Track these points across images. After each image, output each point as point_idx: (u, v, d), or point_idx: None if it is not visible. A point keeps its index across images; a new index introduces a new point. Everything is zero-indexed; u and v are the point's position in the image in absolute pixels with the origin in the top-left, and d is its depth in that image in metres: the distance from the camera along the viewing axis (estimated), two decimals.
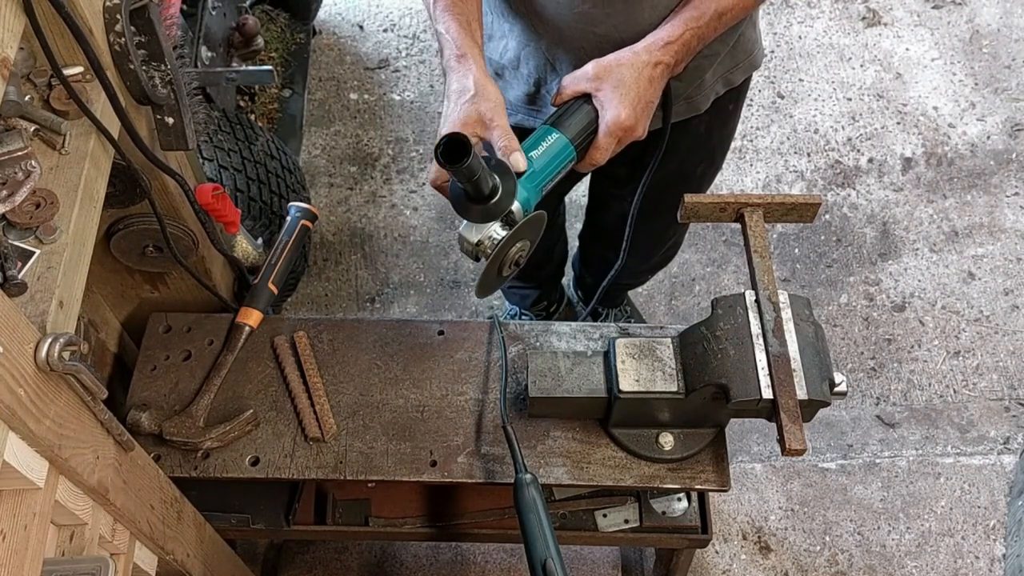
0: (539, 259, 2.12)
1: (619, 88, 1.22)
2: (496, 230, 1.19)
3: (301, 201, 1.80)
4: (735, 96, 1.60)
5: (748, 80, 1.61)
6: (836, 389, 1.27)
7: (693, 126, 1.57)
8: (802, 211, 1.37)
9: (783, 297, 1.29)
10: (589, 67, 1.25)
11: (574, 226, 2.39)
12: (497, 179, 1.16)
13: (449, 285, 2.52)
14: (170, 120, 1.19)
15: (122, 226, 1.37)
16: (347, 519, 1.62)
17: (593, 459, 1.40)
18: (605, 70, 1.24)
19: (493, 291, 1.36)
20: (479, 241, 1.20)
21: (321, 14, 2.91)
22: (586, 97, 1.26)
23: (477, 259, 1.23)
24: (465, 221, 1.21)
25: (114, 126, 1.11)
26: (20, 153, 1.02)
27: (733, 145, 2.75)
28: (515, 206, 1.19)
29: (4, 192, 1.01)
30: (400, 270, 2.54)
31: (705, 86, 1.50)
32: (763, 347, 1.24)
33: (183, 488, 1.37)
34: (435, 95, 2.87)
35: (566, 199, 2.08)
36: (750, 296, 1.29)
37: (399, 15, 3.06)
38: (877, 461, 2.25)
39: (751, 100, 2.83)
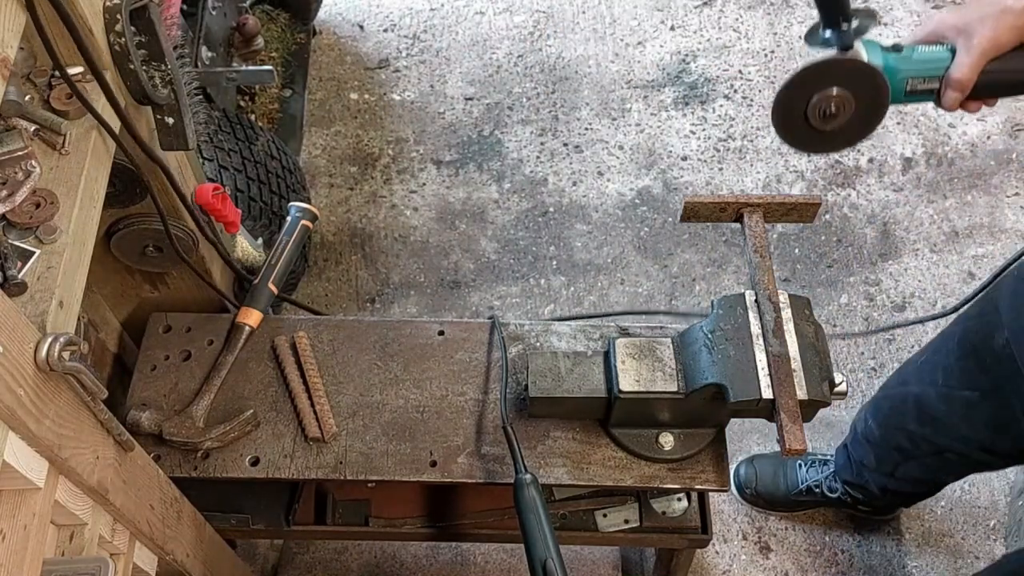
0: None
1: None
2: (823, 47, 1.13)
3: (301, 201, 1.80)
4: None
5: None
6: (836, 389, 1.27)
7: None
8: (802, 211, 1.37)
9: (783, 297, 1.29)
10: None
11: None
12: (856, 19, 1.11)
13: (449, 285, 2.52)
14: (170, 120, 1.19)
15: (122, 226, 1.37)
16: (347, 519, 1.62)
17: (593, 459, 1.40)
18: None
19: (801, 145, 1.23)
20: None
21: (321, 14, 2.91)
22: None
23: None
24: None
25: (116, 124, 1.11)
26: (20, 153, 1.02)
27: (733, 145, 2.76)
28: (859, 52, 1.13)
29: (4, 192, 1.01)
30: (400, 270, 2.54)
31: None
32: (763, 347, 1.24)
33: (183, 488, 1.37)
34: (435, 95, 2.87)
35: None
36: (750, 296, 1.29)
37: (399, 15, 3.06)
38: None
39: (751, 100, 2.83)
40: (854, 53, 1.14)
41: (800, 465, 2.06)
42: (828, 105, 1.15)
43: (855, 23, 1.13)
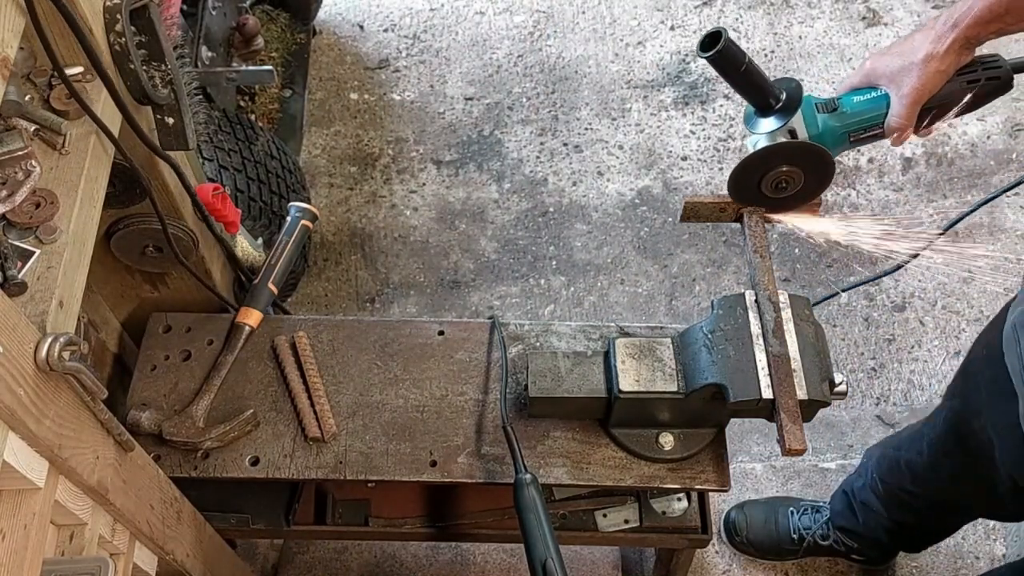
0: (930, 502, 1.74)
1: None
2: (763, 132, 1.23)
3: (301, 201, 1.80)
4: None
5: None
6: (836, 389, 1.27)
7: None
8: (802, 212, 1.37)
9: (783, 297, 1.29)
10: None
11: None
12: (783, 94, 1.20)
13: (449, 285, 2.52)
14: (170, 120, 1.19)
15: (122, 226, 1.37)
16: (347, 519, 1.62)
17: (593, 459, 1.40)
18: None
19: (749, 203, 1.35)
20: (754, 144, 1.24)
21: (321, 14, 2.91)
22: None
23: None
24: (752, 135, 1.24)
25: (115, 125, 1.11)
26: (20, 153, 1.02)
27: (733, 145, 2.76)
28: (798, 122, 1.22)
29: (4, 192, 1.01)
30: (400, 270, 2.55)
31: None
32: (763, 347, 1.24)
33: (183, 488, 1.37)
34: (435, 95, 2.87)
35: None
36: (750, 296, 1.29)
37: (399, 15, 3.06)
38: None
39: None
40: (793, 127, 1.23)
41: (792, 512, 2.02)
42: (779, 180, 1.27)
43: (783, 96, 1.22)
